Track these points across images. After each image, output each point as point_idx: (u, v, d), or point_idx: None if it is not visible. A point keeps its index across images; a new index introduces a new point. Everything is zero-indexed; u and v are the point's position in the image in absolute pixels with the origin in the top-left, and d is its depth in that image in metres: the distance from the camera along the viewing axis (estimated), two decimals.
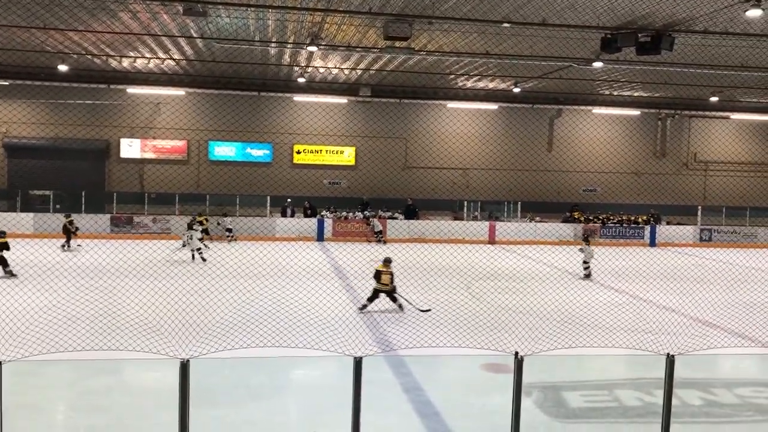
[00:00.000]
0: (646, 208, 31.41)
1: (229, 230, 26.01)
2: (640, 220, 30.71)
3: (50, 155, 28.14)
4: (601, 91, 29.26)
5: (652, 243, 29.55)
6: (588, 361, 10.36)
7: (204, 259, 20.37)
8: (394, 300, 13.68)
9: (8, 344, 9.32)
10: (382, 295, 13.65)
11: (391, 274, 13.72)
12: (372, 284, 13.79)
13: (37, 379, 8.12)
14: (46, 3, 16.33)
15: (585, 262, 18.89)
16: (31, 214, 25.80)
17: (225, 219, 26.21)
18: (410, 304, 13.54)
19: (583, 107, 31.98)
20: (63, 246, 22.24)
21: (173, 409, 5.31)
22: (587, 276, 18.76)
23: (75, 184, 27.14)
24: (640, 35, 16.49)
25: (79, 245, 22.21)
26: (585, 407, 8.60)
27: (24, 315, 11.23)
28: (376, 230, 27.42)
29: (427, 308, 13.54)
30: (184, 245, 21.40)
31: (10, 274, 16.99)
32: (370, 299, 13.73)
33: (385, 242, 27.00)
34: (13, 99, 28.03)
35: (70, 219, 23.01)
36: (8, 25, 18.39)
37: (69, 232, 22.58)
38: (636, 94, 29.92)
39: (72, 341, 10.06)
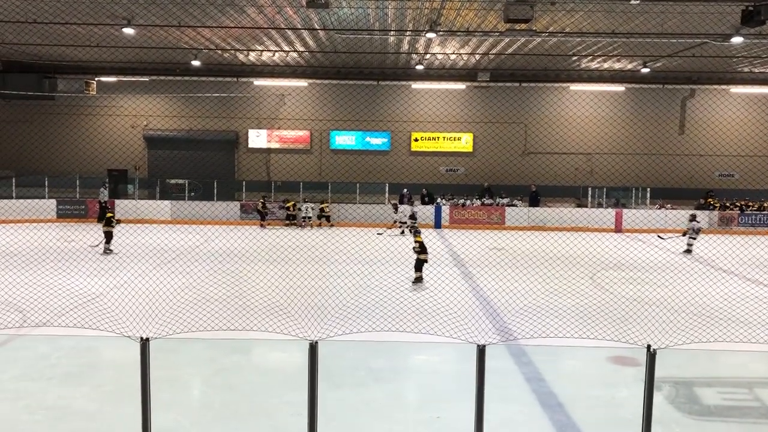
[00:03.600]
0: None
1: (292, 217, 26.62)
2: None
3: (185, 146, 30.07)
4: (740, 69, 27.13)
5: None
6: (725, 356, 9.74)
7: (403, 232, 23.93)
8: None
9: (153, 322, 10.06)
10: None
11: None
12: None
13: (177, 356, 8.67)
14: (180, 2, 17.34)
15: None
16: (168, 202, 27.60)
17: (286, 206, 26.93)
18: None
19: (719, 86, 29.85)
20: (262, 225, 25.82)
21: (300, 388, 5.50)
22: None
23: (208, 173, 28.87)
24: None
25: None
26: (722, 405, 8.09)
27: (165, 295, 12.05)
28: (401, 219, 25.03)
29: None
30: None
31: (109, 251, 18.51)
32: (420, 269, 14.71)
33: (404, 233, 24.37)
34: (152, 94, 30.13)
35: (263, 201, 26.17)
36: (147, 25, 19.68)
37: (263, 214, 25.96)
38: None
39: (208, 321, 10.71)
